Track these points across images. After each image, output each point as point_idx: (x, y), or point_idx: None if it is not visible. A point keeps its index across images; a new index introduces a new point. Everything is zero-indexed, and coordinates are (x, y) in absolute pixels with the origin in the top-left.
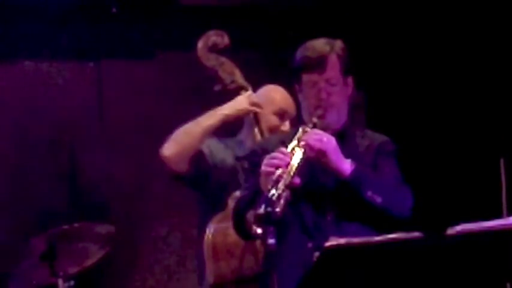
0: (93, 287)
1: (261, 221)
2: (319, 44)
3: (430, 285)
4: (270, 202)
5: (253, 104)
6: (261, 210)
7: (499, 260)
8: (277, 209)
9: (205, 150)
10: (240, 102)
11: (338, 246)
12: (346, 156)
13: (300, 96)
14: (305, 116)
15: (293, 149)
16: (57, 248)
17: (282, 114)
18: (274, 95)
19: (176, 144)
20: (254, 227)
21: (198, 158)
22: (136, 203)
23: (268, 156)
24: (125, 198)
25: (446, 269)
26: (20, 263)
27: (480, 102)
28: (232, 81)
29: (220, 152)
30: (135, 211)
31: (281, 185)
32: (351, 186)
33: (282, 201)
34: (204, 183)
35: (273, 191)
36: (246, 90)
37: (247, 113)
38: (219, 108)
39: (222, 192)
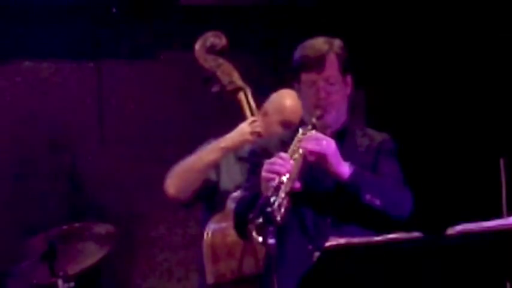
0: (93, 287)
1: (260, 230)
2: (318, 43)
3: (430, 285)
4: (270, 206)
5: (255, 133)
6: (260, 220)
7: (499, 260)
8: (278, 218)
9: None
10: (242, 133)
11: (338, 246)
12: (347, 156)
13: (300, 96)
14: (305, 116)
15: (293, 153)
16: (57, 248)
17: (287, 125)
18: (285, 105)
19: (180, 181)
20: (254, 235)
21: (203, 185)
22: (136, 203)
23: (267, 161)
24: (124, 198)
25: (446, 269)
26: (20, 263)
27: (480, 102)
28: (230, 83)
29: (223, 160)
30: (135, 211)
31: (281, 193)
32: (350, 189)
33: (282, 210)
34: (212, 196)
35: (273, 198)
36: (244, 91)
37: (248, 143)
38: (221, 140)
39: (226, 197)
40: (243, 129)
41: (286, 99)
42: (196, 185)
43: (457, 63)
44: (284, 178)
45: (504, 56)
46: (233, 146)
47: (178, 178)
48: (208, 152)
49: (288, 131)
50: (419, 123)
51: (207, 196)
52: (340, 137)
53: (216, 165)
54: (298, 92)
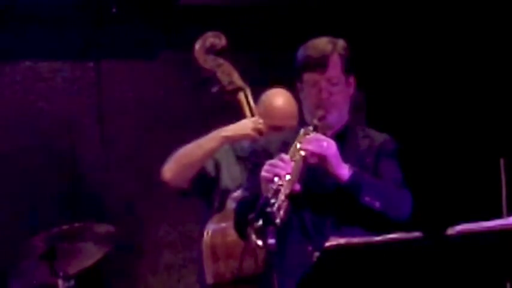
0: (93, 287)
1: (260, 233)
2: (321, 43)
3: (430, 285)
4: (270, 207)
5: (257, 130)
6: (259, 222)
7: (499, 260)
8: (277, 220)
9: (209, 162)
10: (244, 127)
11: (338, 246)
12: (347, 156)
13: (301, 95)
14: (306, 116)
15: (293, 154)
16: (57, 248)
17: (277, 129)
18: (274, 108)
19: (177, 167)
20: (254, 238)
21: (200, 175)
22: (136, 203)
23: (268, 162)
24: (125, 198)
25: (446, 269)
26: (20, 263)
27: (480, 102)
28: (230, 83)
29: (224, 158)
30: (135, 211)
31: (281, 195)
32: (349, 191)
33: (281, 212)
34: (210, 192)
35: (273, 201)
36: (244, 91)
37: (249, 138)
38: (221, 130)
39: (227, 196)
40: (246, 123)
41: (274, 102)
42: (193, 172)
43: (457, 64)
44: (284, 180)
45: (504, 56)
46: (233, 137)
47: (176, 163)
48: (208, 140)
49: (289, 131)
50: (420, 124)
51: (204, 190)
52: (342, 137)
53: (214, 159)
54: (300, 91)
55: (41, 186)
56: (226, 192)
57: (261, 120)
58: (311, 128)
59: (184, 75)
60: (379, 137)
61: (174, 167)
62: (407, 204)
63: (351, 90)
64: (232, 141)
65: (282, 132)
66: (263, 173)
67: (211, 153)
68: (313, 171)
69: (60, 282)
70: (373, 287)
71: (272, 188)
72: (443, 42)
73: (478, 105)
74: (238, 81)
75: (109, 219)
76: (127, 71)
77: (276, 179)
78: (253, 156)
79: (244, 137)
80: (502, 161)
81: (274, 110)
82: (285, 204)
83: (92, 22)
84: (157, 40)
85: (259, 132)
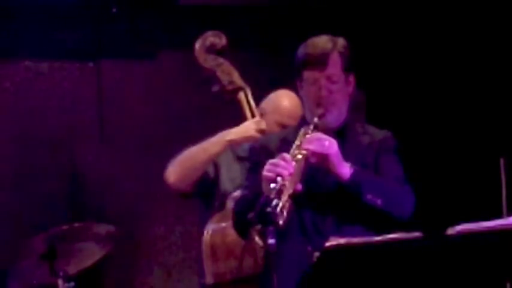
0: (93, 287)
1: (263, 234)
2: (321, 41)
3: (430, 285)
4: (270, 206)
5: (259, 131)
6: (260, 224)
7: (499, 260)
8: (280, 222)
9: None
10: (247, 129)
11: (338, 246)
12: (348, 154)
13: (302, 93)
14: (306, 113)
15: (294, 153)
16: (57, 248)
17: (283, 127)
18: (282, 106)
19: (182, 170)
20: (257, 240)
21: (202, 178)
22: (136, 202)
23: (270, 161)
24: (124, 198)
25: (446, 269)
26: (19, 263)
27: (480, 102)
28: (230, 82)
29: (223, 159)
30: (135, 211)
31: (284, 196)
32: (351, 190)
33: (284, 213)
34: (211, 194)
35: (276, 202)
36: (244, 91)
37: (253, 140)
38: (226, 133)
39: (226, 197)
40: (249, 126)
41: (283, 101)
42: (197, 175)
43: (457, 63)
44: (286, 180)
45: (504, 55)
46: (238, 140)
47: (181, 167)
48: (213, 143)
49: (289, 129)
50: (420, 124)
51: (203, 191)
52: (341, 135)
53: (213, 161)
54: (300, 90)
55: (41, 186)
56: (226, 194)
57: (263, 121)
58: (311, 126)
59: (184, 75)
60: (379, 133)
61: (178, 170)
62: (409, 201)
63: (350, 88)
64: (236, 144)
65: (281, 130)
66: (265, 173)
67: (215, 157)
68: (313, 171)
69: (60, 282)
70: (373, 287)
71: (275, 188)
72: (443, 42)
73: (477, 104)
74: (238, 80)
75: (109, 219)
76: (127, 71)
77: (278, 178)
78: (252, 154)
79: (248, 139)
80: (502, 161)
81: (284, 108)
82: (287, 204)
83: (92, 22)
84: (157, 40)
85: (262, 133)
